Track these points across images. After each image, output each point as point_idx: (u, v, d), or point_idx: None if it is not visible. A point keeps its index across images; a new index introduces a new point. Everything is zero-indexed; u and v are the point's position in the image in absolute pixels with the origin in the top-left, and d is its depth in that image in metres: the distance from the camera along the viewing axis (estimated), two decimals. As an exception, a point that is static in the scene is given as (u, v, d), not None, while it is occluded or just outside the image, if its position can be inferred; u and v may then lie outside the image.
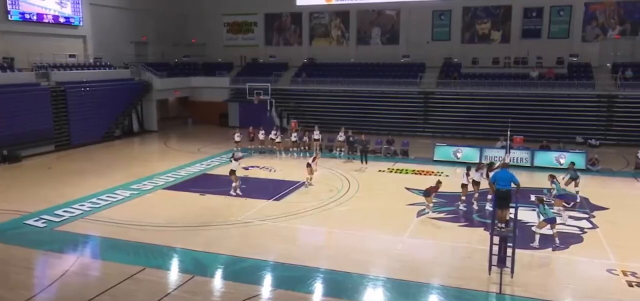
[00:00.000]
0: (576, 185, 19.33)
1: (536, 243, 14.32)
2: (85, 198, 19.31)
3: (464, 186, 18.37)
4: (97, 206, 18.41)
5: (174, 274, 12.95)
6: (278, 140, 28.08)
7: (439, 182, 18.14)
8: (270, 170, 24.43)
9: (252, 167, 25.03)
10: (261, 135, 28.54)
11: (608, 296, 11.53)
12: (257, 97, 37.30)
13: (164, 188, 21.10)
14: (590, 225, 16.39)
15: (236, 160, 20.54)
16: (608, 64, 35.79)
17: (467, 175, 18.42)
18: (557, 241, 14.36)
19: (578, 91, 33.57)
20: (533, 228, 14.93)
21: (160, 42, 43.92)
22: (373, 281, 12.31)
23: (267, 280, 12.54)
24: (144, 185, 21.45)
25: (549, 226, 14.44)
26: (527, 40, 37.95)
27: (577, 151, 25.56)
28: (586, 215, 17.38)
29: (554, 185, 17.70)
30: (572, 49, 36.93)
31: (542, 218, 14.44)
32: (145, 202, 19.29)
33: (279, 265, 13.26)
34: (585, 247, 14.56)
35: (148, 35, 42.76)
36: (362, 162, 24.93)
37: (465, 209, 18.06)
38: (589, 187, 20.73)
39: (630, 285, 11.99)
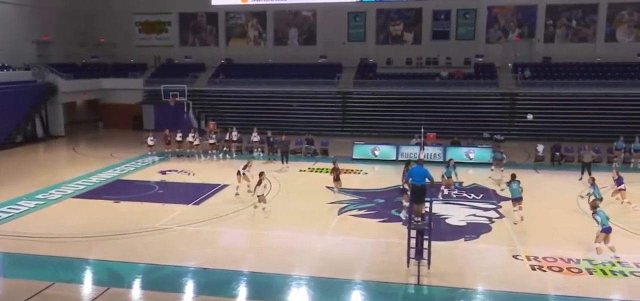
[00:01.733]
0: (500, 166, 21.73)
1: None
2: (-17, 211, 17.76)
3: (404, 191, 17.61)
4: (-3, 219, 16.99)
5: (87, 287, 12.24)
6: (196, 142, 27.42)
7: (334, 162, 20.33)
8: (189, 174, 23.80)
9: (170, 170, 24.27)
10: (178, 137, 27.70)
11: (515, 280, 12.39)
12: (173, 98, 36.17)
13: (73, 197, 19.87)
14: (497, 215, 17.51)
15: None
16: (509, 64, 38.46)
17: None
18: (521, 218, 16.23)
19: (484, 90, 35.80)
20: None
21: (65, 41, 41.26)
22: (297, 280, 12.37)
23: (189, 286, 12.22)
24: (51, 194, 20.07)
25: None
26: (437, 42, 39.86)
27: (485, 146, 27.17)
28: (494, 206, 18.56)
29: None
30: (477, 50, 39.30)
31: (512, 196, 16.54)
32: (52, 212, 18.06)
33: (201, 270, 12.96)
34: (494, 236, 15.56)
35: (51, 34, 40.01)
36: (283, 163, 24.96)
37: (382, 202, 18.69)
38: (496, 179, 22.19)
39: (533, 269, 12.97)
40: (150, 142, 27.20)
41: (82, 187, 21.32)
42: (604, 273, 12.66)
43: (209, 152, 27.63)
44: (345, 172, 23.77)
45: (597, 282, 12.27)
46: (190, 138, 27.47)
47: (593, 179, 17.55)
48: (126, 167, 25.20)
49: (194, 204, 18.76)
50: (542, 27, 38.86)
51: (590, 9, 38.07)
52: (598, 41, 38.01)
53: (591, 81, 34.98)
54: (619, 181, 18.26)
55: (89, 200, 19.56)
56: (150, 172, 24.17)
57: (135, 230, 15.85)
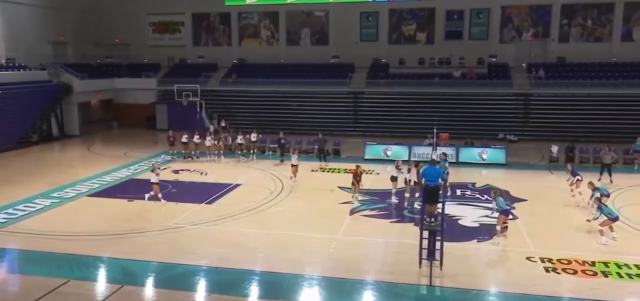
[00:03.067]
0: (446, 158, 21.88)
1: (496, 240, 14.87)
2: (0, 208, 18.01)
3: (394, 179, 19.28)
4: (14, 217, 17.22)
5: (101, 285, 12.37)
6: (213, 143, 27.04)
7: (357, 166, 19.69)
8: (202, 173, 23.93)
9: (183, 170, 24.43)
10: (196, 139, 27.37)
11: (528, 282, 12.27)
12: (186, 98, 36.39)
13: (88, 196, 20.09)
14: (511, 217, 17.32)
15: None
16: (523, 64, 38.11)
17: (398, 168, 19.30)
18: (499, 229, 14.96)
19: (497, 90, 35.49)
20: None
21: (80, 42, 41.82)
22: (308, 280, 12.40)
23: (201, 285, 12.29)
24: (66, 192, 20.31)
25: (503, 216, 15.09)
26: (449, 42, 39.61)
27: (499, 147, 26.94)
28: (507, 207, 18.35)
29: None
30: (491, 50, 38.96)
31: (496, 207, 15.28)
32: (67, 210, 18.26)
33: (213, 269, 13.03)
34: (507, 237, 15.40)
35: (66, 34, 40.61)
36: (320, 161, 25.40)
37: (397, 201, 18.81)
38: (509, 181, 22.02)
39: (547, 271, 12.85)
40: (184, 140, 26.93)
41: (96, 185, 21.56)
42: (620, 275, 12.50)
43: (219, 152, 27.27)
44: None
45: (612, 285, 12.11)
46: (207, 141, 26.91)
47: (591, 183, 17.67)
48: (140, 166, 25.41)
49: (206, 203, 18.87)
50: (557, 27, 38.44)
51: (606, 8, 37.58)
52: (614, 40, 37.51)
53: (607, 81, 34.53)
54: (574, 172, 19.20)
55: (103, 198, 19.77)
56: (164, 172, 24.28)
57: (149, 229, 15.99)
